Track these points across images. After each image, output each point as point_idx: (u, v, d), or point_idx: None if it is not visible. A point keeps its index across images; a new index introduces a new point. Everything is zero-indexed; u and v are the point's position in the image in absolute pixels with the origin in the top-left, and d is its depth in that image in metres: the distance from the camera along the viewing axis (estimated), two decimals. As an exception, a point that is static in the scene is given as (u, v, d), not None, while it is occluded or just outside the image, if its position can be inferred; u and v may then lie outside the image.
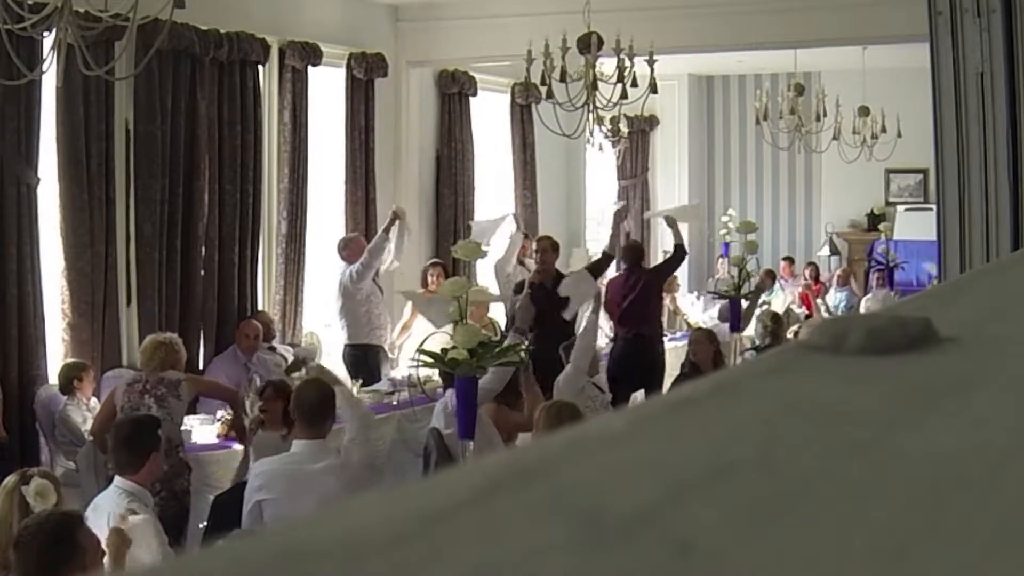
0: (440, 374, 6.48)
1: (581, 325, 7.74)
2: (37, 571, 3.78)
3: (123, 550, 4.44)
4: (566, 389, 6.96)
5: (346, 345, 9.14)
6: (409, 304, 9.87)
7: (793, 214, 15.76)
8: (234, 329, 8.52)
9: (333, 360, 9.60)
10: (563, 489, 0.49)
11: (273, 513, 5.02)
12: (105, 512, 4.78)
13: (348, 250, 9.11)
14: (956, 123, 3.89)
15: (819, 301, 12.85)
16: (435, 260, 10.43)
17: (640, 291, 9.43)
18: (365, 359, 9.01)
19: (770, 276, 12.96)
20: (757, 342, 9.49)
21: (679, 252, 9.41)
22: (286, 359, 8.61)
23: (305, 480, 5.04)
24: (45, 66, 6.12)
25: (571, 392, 6.91)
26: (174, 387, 6.41)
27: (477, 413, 5.86)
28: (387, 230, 9.10)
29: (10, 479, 4.55)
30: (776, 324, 9.35)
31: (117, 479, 5.02)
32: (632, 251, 10.10)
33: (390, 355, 9.35)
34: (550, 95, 8.37)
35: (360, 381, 8.53)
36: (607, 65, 8.83)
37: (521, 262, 10.58)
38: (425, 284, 9.97)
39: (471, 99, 11.74)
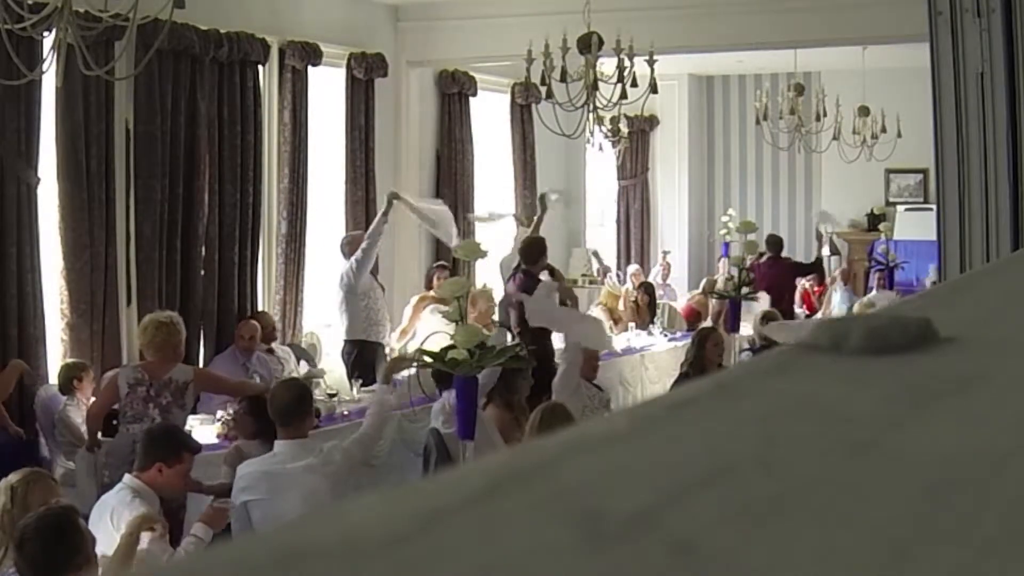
0: (433, 374, 6.46)
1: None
2: (42, 567, 3.78)
3: (131, 548, 4.45)
4: (561, 389, 7.01)
5: (345, 341, 9.15)
6: (410, 308, 9.89)
7: (793, 214, 15.75)
8: (234, 329, 8.52)
9: (332, 358, 9.61)
10: (563, 489, 0.49)
11: (260, 514, 5.05)
12: (109, 507, 4.82)
13: (351, 246, 9.08)
14: (956, 123, 3.89)
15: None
16: (441, 263, 10.44)
17: (780, 278, 11.38)
18: (362, 355, 9.01)
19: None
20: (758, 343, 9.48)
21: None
22: (281, 361, 8.60)
23: (287, 479, 5.07)
24: (45, 66, 6.11)
25: (566, 392, 6.95)
26: (180, 392, 6.28)
27: (478, 413, 5.87)
28: (386, 214, 9.02)
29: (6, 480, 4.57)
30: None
31: (126, 476, 5.09)
32: (775, 244, 11.95)
33: (388, 356, 9.34)
34: (550, 95, 8.37)
35: (360, 381, 8.54)
36: (607, 65, 8.82)
37: None
38: (430, 286, 10.00)
39: (471, 99, 11.74)
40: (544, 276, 9.11)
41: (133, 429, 6.15)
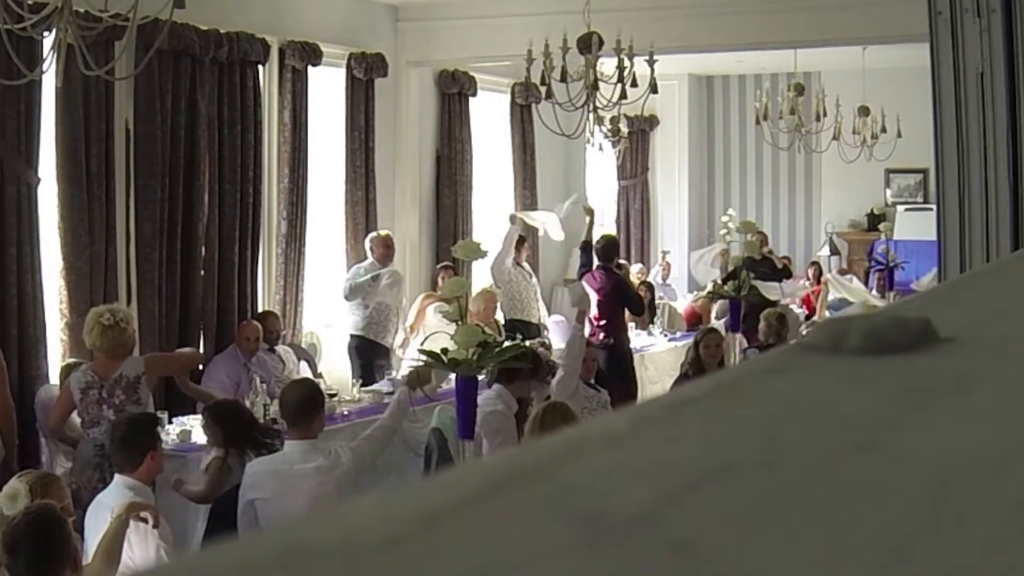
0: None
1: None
2: (39, 564, 3.78)
3: (119, 542, 4.44)
4: (560, 391, 7.02)
5: (351, 335, 9.22)
6: (415, 306, 9.95)
7: (793, 214, 15.76)
8: (234, 329, 8.52)
9: (335, 356, 9.62)
10: (563, 489, 0.49)
11: (265, 513, 5.04)
12: (107, 507, 4.79)
13: (374, 244, 9.36)
14: (956, 123, 3.89)
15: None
16: (446, 263, 10.47)
17: None
18: (366, 351, 9.09)
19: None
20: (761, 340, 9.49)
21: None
22: (284, 361, 8.61)
23: (295, 480, 5.06)
24: (45, 66, 6.11)
25: (565, 394, 6.95)
26: (132, 388, 6.09)
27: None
28: (376, 278, 9.13)
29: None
30: (780, 324, 9.35)
31: (118, 476, 5.03)
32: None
33: (395, 353, 9.43)
34: (550, 95, 8.37)
35: (360, 381, 8.56)
36: (607, 65, 8.82)
37: (518, 263, 10.63)
38: (435, 286, 10.06)
39: (471, 99, 11.74)
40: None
41: (93, 434, 6.07)
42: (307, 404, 5.26)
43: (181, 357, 7.22)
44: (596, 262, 9.74)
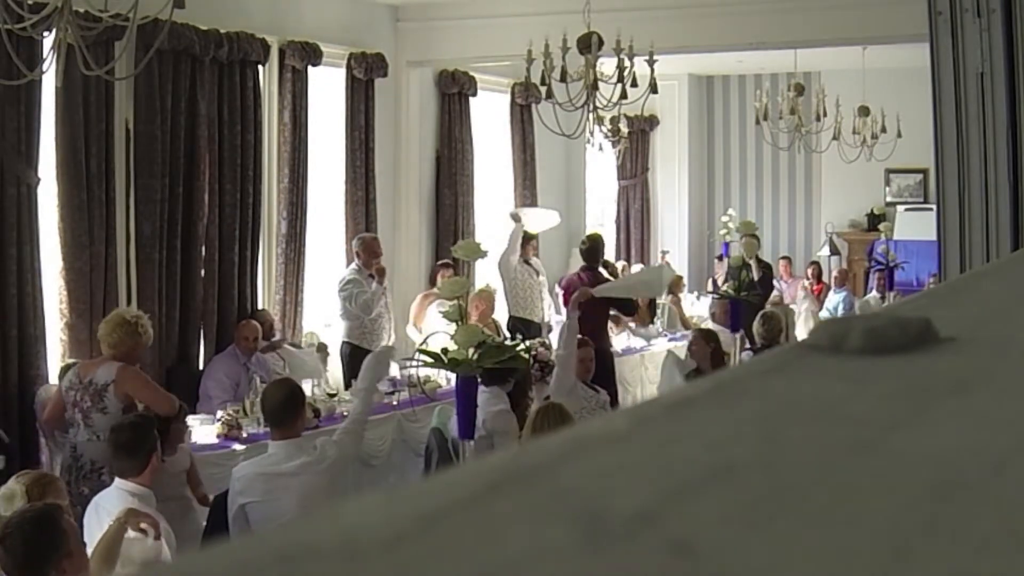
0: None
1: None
2: (24, 562, 3.77)
3: (117, 544, 4.42)
4: (557, 390, 7.02)
5: (344, 342, 9.18)
6: (414, 306, 9.94)
7: (793, 214, 15.76)
8: (234, 329, 8.51)
9: (333, 358, 9.61)
10: (563, 489, 0.49)
11: (257, 516, 5.02)
12: (106, 512, 4.76)
13: (360, 249, 9.21)
14: (956, 123, 3.89)
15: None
16: (445, 261, 10.46)
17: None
18: (360, 358, 9.04)
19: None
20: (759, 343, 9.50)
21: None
22: (284, 360, 8.60)
23: (283, 480, 5.05)
24: (45, 66, 6.11)
25: (562, 393, 6.95)
26: (99, 395, 5.89)
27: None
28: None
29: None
30: (772, 325, 9.36)
31: (119, 481, 4.96)
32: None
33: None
34: (550, 95, 8.37)
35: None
36: (607, 65, 8.82)
37: (526, 260, 10.63)
38: (434, 284, 10.05)
39: (471, 99, 11.74)
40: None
41: (67, 437, 5.99)
42: (289, 404, 5.22)
43: (159, 398, 6.03)
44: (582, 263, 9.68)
